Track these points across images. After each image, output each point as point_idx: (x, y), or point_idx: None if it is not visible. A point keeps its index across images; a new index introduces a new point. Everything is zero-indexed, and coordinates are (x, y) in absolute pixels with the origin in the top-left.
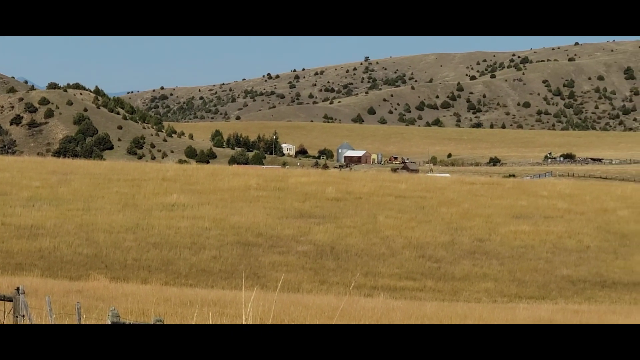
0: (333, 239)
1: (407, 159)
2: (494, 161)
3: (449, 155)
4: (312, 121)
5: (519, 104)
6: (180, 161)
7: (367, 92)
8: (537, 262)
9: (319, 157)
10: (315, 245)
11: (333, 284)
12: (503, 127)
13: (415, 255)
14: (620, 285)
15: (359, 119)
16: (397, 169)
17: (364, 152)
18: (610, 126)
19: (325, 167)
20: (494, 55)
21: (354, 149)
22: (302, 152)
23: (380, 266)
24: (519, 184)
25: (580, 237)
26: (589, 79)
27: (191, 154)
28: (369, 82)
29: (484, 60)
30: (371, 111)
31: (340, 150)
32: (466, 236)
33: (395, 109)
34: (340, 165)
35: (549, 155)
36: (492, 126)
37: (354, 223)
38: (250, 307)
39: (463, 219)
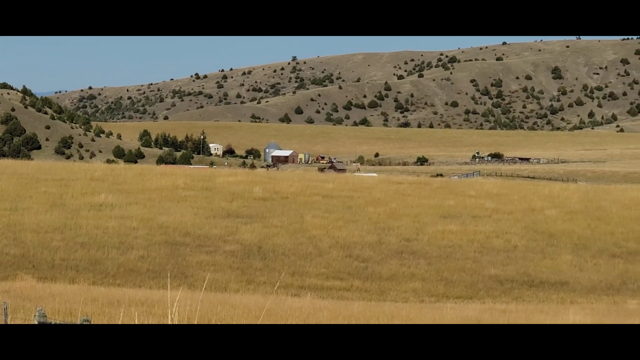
0: (260, 238)
1: (334, 158)
2: (422, 161)
3: (376, 155)
4: (239, 121)
5: (446, 104)
6: (109, 161)
7: (294, 92)
8: (464, 261)
9: (246, 157)
10: (242, 244)
11: (260, 283)
12: (431, 126)
13: (343, 255)
14: (547, 284)
15: (286, 119)
16: (324, 168)
17: (291, 151)
18: (538, 125)
19: (253, 166)
20: (422, 55)
21: (281, 149)
22: (229, 151)
23: (307, 266)
24: (446, 184)
25: (508, 237)
26: (517, 78)
27: (119, 153)
28: (296, 81)
29: (412, 60)
30: (298, 111)
31: (267, 150)
32: (393, 236)
33: (323, 109)
34: (267, 165)
35: (476, 154)
36: (419, 126)
37: (281, 223)
38: (176, 306)
39: (390, 218)
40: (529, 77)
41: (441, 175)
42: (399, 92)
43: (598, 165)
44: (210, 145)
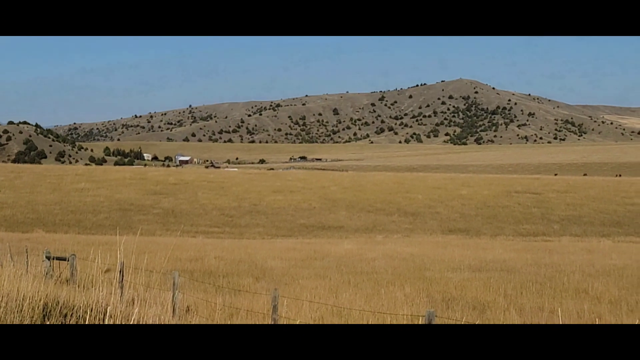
0: (173, 206)
1: (214, 161)
2: (262, 161)
3: (237, 159)
4: (160, 141)
5: (275, 130)
6: (86, 164)
7: (191, 124)
8: (286, 216)
9: (164, 161)
10: (163, 209)
11: (173, 230)
12: (267, 142)
13: (219, 214)
14: (332, 228)
15: (186, 140)
16: (208, 166)
17: (190, 157)
18: (325, 142)
19: (168, 166)
20: (261, 103)
21: (184, 156)
22: (155, 158)
23: (199, 220)
24: (276, 173)
25: (310, 202)
26: (314, 115)
27: (92, 160)
28: (192, 119)
29: (255, 105)
30: (193, 135)
31: (176, 157)
32: (247, 203)
33: (205, 135)
34: (176, 165)
35: (292, 157)
36: (260, 142)
37: (184, 197)
38: (122, 244)
39: (245, 193)
40: (320, 114)
41: (272, 169)
42: (248, 124)
43: (359, 162)
44: (144, 154)
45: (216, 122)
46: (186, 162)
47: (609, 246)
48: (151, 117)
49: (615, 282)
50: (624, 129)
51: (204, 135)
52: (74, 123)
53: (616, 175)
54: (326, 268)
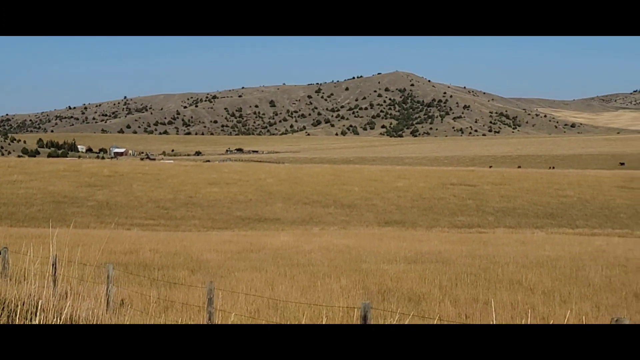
0: (107, 198)
1: (149, 153)
2: (198, 153)
3: (172, 150)
4: (94, 132)
5: (211, 122)
6: (19, 156)
7: (126, 116)
8: (222, 208)
9: (99, 152)
10: (97, 202)
11: (108, 223)
12: (203, 134)
13: (154, 206)
14: (269, 220)
15: (121, 131)
16: (143, 158)
17: (125, 149)
18: (262, 133)
19: (103, 158)
20: (197, 94)
21: (119, 148)
22: (90, 150)
23: (134, 213)
24: (212, 165)
25: (246, 194)
26: (250, 107)
27: (25, 152)
28: (127, 110)
29: (192, 97)
30: (128, 127)
31: (111, 149)
32: (183, 195)
33: (140, 126)
34: (111, 157)
35: (229, 149)
36: (196, 134)
37: (119, 189)
38: (56, 236)
39: (181, 185)
40: (257, 106)
41: (209, 160)
42: (184, 115)
43: (296, 154)
44: (79, 146)
45: (151, 113)
46: (121, 154)
47: (542, 238)
48: (85, 108)
49: (549, 273)
50: (557, 122)
51: (139, 127)
52: (7, 114)
53: (549, 168)
54: (262, 260)
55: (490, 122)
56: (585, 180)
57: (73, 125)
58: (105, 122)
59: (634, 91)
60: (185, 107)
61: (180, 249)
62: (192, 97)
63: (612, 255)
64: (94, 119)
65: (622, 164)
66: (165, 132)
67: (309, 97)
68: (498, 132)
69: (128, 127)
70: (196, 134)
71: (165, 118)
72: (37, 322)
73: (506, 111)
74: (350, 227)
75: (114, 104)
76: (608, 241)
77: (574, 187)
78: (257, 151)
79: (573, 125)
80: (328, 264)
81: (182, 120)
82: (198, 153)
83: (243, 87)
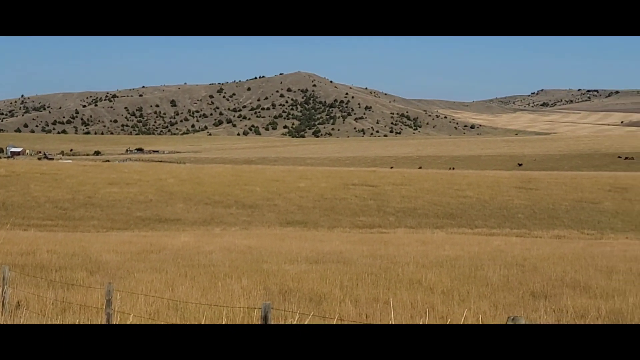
0: (4, 198)
1: (47, 152)
2: (97, 153)
3: (71, 150)
4: None
5: (111, 121)
6: None
7: (23, 115)
8: (122, 209)
9: None
10: None
11: (4, 224)
12: (103, 133)
13: (52, 206)
14: (169, 221)
15: (18, 130)
16: (41, 158)
17: (22, 148)
18: (163, 133)
19: None
20: (96, 93)
21: (16, 147)
22: None
23: (31, 213)
24: (111, 165)
25: (147, 195)
26: (151, 106)
27: None
28: (24, 109)
29: (91, 96)
30: (25, 125)
31: (8, 148)
32: (81, 195)
33: (38, 125)
34: (7, 156)
35: (129, 149)
36: (95, 133)
37: (15, 189)
38: None
39: (79, 185)
40: (157, 105)
41: (108, 160)
42: (84, 115)
43: (197, 154)
44: None
45: (50, 112)
46: (18, 153)
47: (442, 237)
48: None
49: (448, 273)
50: (457, 123)
51: (37, 126)
52: None
53: (449, 168)
54: (162, 261)
55: (392, 123)
56: (484, 181)
57: None
58: (2, 120)
59: (532, 93)
60: (84, 106)
61: (78, 250)
62: (91, 96)
63: (509, 255)
64: None
65: (520, 164)
66: (64, 132)
67: (211, 96)
68: (399, 133)
69: (25, 126)
70: (95, 133)
71: (64, 117)
72: None
73: (407, 112)
74: (252, 227)
75: (11, 103)
76: (506, 241)
77: (473, 188)
78: (157, 151)
79: (473, 127)
80: (229, 265)
81: (82, 119)
82: (97, 153)
83: (144, 87)
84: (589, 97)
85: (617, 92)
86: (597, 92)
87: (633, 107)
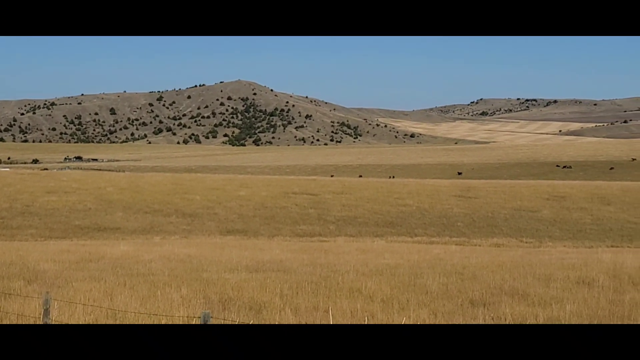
0: None
1: None
2: (36, 161)
3: (9, 158)
4: None
5: (49, 129)
6: None
7: None
8: (61, 217)
9: None
10: None
11: None
12: (41, 141)
13: None
14: (109, 229)
15: None
16: None
17: None
18: (102, 141)
19: None
20: (35, 100)
21: None
22: None
23: None
24: (49, 174)
25: (86, 203)
26: (90, 114)
27: None
28: None
29: (28, 104)
30: None
31: None
32: (19, 204)
33: None
34: None
35: (67, 157)
36: (34, 141)
37: None
38: None
39: (17, 193)
40: (97, 113)
41: (46, 169)
42: (21, 122)
43: (137, 163)
44: None
45: None
46: None
47: (382, 246)
48: None
49: (388, 281)
50: (397, 132)
51: None
52: None
53: (389, 177)
54: (101, 270)
55: (332, 132)
56: (424, 190)
57: None
58: None
59: (471, 102)
60: (22, 114)
61: (16, 259)
62: (29, 104)
63: (449, 263)
64: None
65: (460, 173)
66: (2, 140)
67: (150, 105)
68: (340, 142)
69: None
70: (34, 141)
71: (1, 125)
72: None
73: (347, 121)
74: (192, 236)
75: None
76: (446, 249)
77: (413, 196)
78: (97, 159)
79: (413, 136)
80: (169, 274)
81: (19, 127)
82: (35, 161)
83: (82, 94)
84: (527, 107)
85: (555, 101)
86: (536, 101)
87: (571, 116)
